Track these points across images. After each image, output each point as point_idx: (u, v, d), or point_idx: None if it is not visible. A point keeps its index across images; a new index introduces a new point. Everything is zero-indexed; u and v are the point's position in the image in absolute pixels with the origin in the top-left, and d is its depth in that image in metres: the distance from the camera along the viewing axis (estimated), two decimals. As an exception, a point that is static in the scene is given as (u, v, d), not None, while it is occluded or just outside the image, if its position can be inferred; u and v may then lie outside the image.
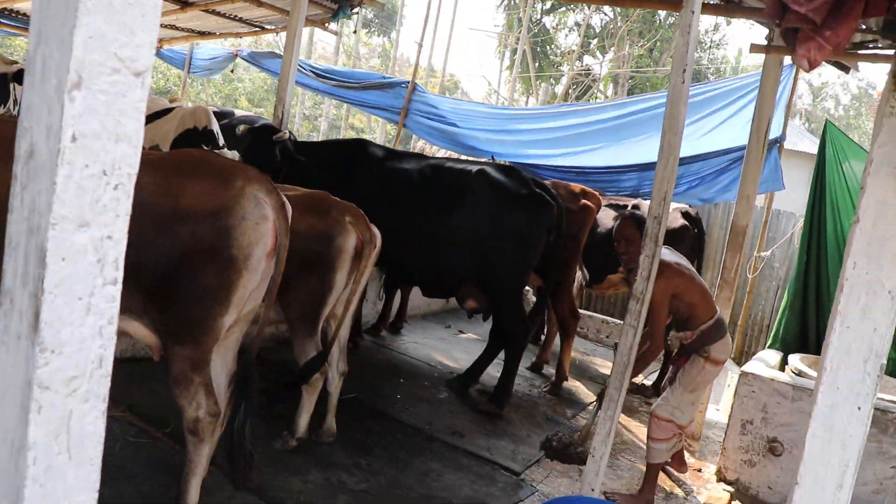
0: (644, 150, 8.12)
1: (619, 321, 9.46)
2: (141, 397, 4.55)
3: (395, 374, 6.22)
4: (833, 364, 1.75)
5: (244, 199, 2.97)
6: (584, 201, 6.61)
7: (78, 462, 1.14)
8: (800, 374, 5.46)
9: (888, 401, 4.84)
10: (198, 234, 2.89)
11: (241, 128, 6.10)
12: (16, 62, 6.75)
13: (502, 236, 5.44)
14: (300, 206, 4.13)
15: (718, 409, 7.11)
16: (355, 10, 8.65)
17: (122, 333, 3.18)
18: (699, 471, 5.31)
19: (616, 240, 4.56)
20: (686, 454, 5.56)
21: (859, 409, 1.71)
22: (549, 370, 7.19)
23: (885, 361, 1.69)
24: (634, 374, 4.12)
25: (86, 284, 1.09)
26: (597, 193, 6.87)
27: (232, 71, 12.59)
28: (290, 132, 6.03)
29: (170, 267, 2.90)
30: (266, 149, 5.73)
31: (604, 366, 8.11)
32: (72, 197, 1.05)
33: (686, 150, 7.74)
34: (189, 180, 2.96)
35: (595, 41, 28.34)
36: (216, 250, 2.91)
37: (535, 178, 5.90)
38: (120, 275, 1.15)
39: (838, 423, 1.75)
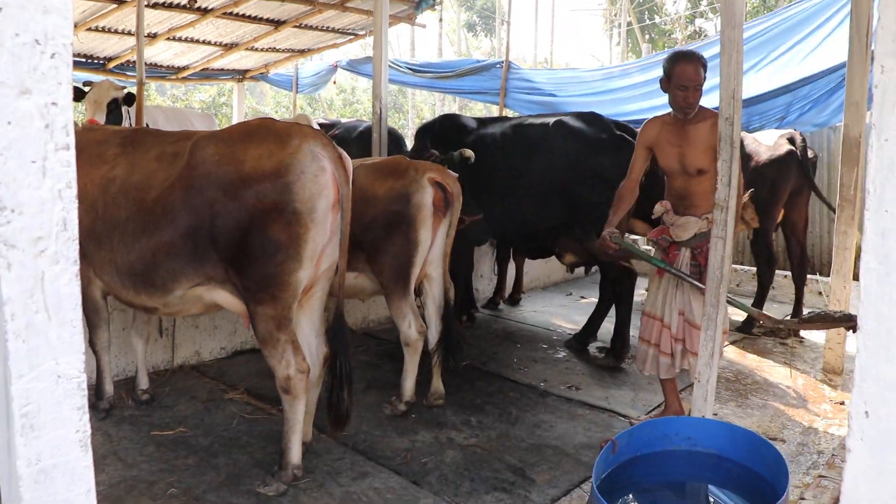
0: (748, 83, 7.66)
1: (746, 268, 8.96)
2: (258, 381, 4.81)
3: (510, 340, 6.22)
4: (877, 184, 1.59)
5: (301, 155, 3.08)
6: None
7: (59, 323, 1.22)
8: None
9: None
10: (262, 193, 3.03)
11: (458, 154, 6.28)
12: (125, 87, 7.34)
13: (587, 183, 5.33)
14: (379, 172, 4.25)
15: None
16: (437, -1, 8.79)
17: (212, 305, 3.39)
18: (842, 403, 4.92)
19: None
20: (827, 388, 5.19)
21: (916, 227, 1.53)
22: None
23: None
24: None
25: (37, 149, 1.17)
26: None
27: (334, 82, 13.05)
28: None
29: (242, 230, 3.05)
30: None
31: (734, 313, 7.68)
32: (6, 64, 1.13)
33: (789, 76, 7.29)
34: (250, 145, 3.10)
35: (705, 1, 27.04)
36: (281, 207, 3.02)
37: (616, 121, 5.74)
38: (71, 141, 1.22)
39: (893, 249, 1.58)
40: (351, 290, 4.36)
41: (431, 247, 4.33)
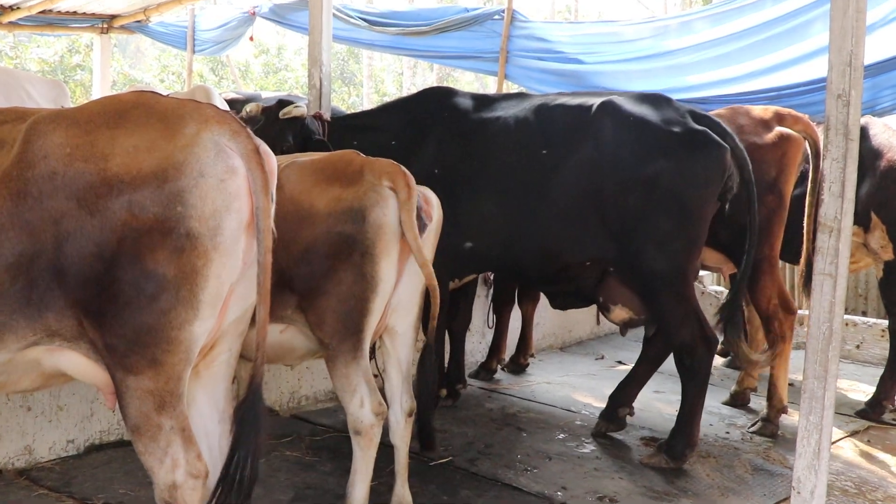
0: (877, 40, 7.77)
1: (872, 321, 9.02)
2: (128, 492, 4.77)
3: (512, 426, 6.23)
4: None
5: (198, 149, 3.04)
6: (781, 129, 6.36)
7: None
8: None
9: None
10: (138, 205, 2.98)
11: (251, 107, 6.41)
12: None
13: (649, 199, 5.34)
14: (320, 176, 4.23)
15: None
16: None
17: (56, 375, 3.33)
18: None
19: None
20: None
21: None
22: (759, 401, 6.92)
23: None
24: None
25: None
26: (804, 117, 6.57)
27: (251, 39, 13.09)
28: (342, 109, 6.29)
29: (106, 260, 3.00)
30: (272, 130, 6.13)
31: (852, 389, 7.72)
32: None
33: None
34: (120, 132, 3.06)
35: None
36: (167, 226, 2.98)
37: (693, 109, 5.78)
38: None
39: None
40: (275, 351, 4.31)
41: (397, 286, 4.30)
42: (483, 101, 6.25)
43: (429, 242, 4.39)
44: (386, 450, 4.46)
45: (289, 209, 3.95)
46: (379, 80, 30.87)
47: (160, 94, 3.47)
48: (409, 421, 4.54)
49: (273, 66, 29.60)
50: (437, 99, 6.35)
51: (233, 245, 3.11)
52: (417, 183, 4.37)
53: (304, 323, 4.21)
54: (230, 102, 9.09)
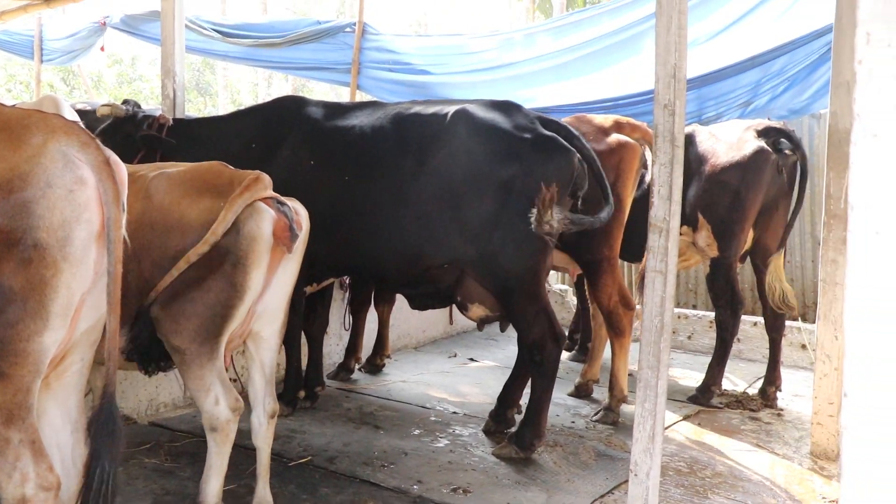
0: (700, 55, 8.04)
1: (701, 313, 9.34)
2: None
3: (370, 425, 6.21)
4: (861, 196, 1.66)
5: (46, 160, 2.93)
6: (618, 137, 6.51)
7: None
8: None
9: None
10: (-18, 217, 2.85)
11: (102, 109, 6.31)
12: None
13: (503, 202, 5.39)
14: (190, 186, 4.14)
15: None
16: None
17: None
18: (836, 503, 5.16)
19: None
20: (819, 479, 5.44)
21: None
22: (602, 391, 7.07)
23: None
24: None
25: None
26: (642, 125, 6.75)
27: (103, 49, 12.69)
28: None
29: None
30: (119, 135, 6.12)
31: (684, 377, 7.98)
32: None
33: (756, 45, 7.68)
34: (-41, 143, 2.93)
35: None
36: (13, 237, 2.86)
37: (542, 115, 5.85)
38: None
39: (890, 286, 1.66)
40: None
41: (264, 294, 4.26)
42: (337, 109, 6.22)
43: (298, 252, 4.35)
44: (247, 452, 4.38)
45: (157, 219, 3.88)
46: (235, 90, 30.43)
47: (4, 105, 3.32)
48: (271, 423, 4.48)
49: (127, 77, 28.80)
50: (291, 107, 6.28)
51: (83, 255, 3.01)
52: (275, 191, 4.34)
53: (163, 330, 4.10)
54: (81, 113, 8.78)
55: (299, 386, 6.45)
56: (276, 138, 6.04)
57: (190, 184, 4.14)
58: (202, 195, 4.09)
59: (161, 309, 4.03)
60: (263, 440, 4.47)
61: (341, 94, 17.34)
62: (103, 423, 3.24)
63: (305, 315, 6.66)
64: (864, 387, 1.70)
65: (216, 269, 4.02)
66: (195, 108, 28.07)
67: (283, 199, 4.28)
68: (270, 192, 4.24)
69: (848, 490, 1.68)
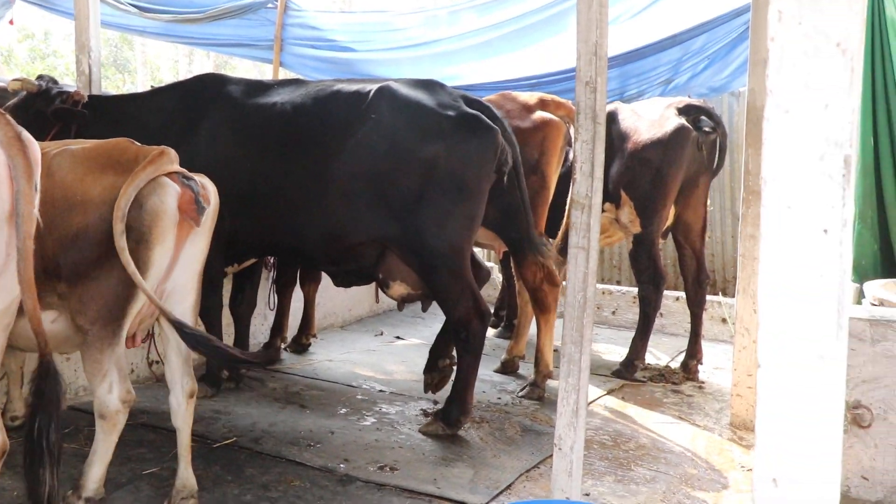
0: (623, 33, 8.10)
1: (625, 289, 9.46)
2: None
3: (295, 404, 6.19)
4: (774, 171, 1.68)
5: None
6: (542, 114, 6.54)
7: None
8: (882, 303, 5.42)
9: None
10: None
11: (12, 84, 6.20)
12: None
13: (427, 180, 5.40)
14: (93, 162, 4.06)
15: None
16: None
17: None
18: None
19: None
20: (738, 449, 5.56)
21: (826, 231, 1.64)
22: (528, 367, 7.13)
23: (851, 153, 1.62)
24: None
25: None
26: (567, 103, 6.78)
27: (11, 22, 12.30)
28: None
29: None
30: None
31: (608, 352, 8.09)
32: None
33: (677, 23, 7.77)
34: None
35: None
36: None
37: (465, 94, 5.86)
38: None
39: (800, 259, 1.68)
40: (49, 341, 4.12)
41: (172, 272, 4.18)
42: (259, 87, 6.16)
43: (206, 227, 4.29)
44: (170, 435, 4.33)
45: (59, 196, 3.79)
46: (154, 67, 29.87)
47: None
48: (190, 403, 4.42)
49: (40, 52, 28.08)
50: (211, 84, 6.19)
51: (-8, 233, 2.94)
52: (193, 169, 4.28)
53: (67, 309, 4.04)
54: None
55: (223, 367, 6.38)
56: (196, 116, 5.95)
57: (94, 160, 4.05)
58: (105, 172, 4.00)
59: (67, 287, 3.96)
60: (183, 421, 4.40)
61: (265, 72, 17.10)
62: (42, 383, 3.25)
63: (233, 295, 6.62)
64: (776, 359, 1.73)
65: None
66: (113, 85, 27.52)
67: (189, 173, 4.22)
68: (176, 167, 4.17)
69: (761, 458, 1.72)
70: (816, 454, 1.66)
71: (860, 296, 6.11)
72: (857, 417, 4.91)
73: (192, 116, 5.95)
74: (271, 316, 7.70)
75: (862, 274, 6.53)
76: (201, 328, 4.55)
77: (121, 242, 3.77)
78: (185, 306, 4.35)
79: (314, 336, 7.96)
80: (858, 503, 4.69)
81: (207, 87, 6.16)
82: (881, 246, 6.61)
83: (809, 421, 1.66)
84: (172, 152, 4.21)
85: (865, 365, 4.80)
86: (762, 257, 1.71)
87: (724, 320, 8.63)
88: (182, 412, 4.38)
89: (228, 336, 6.77)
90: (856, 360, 4.82)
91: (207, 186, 4.32)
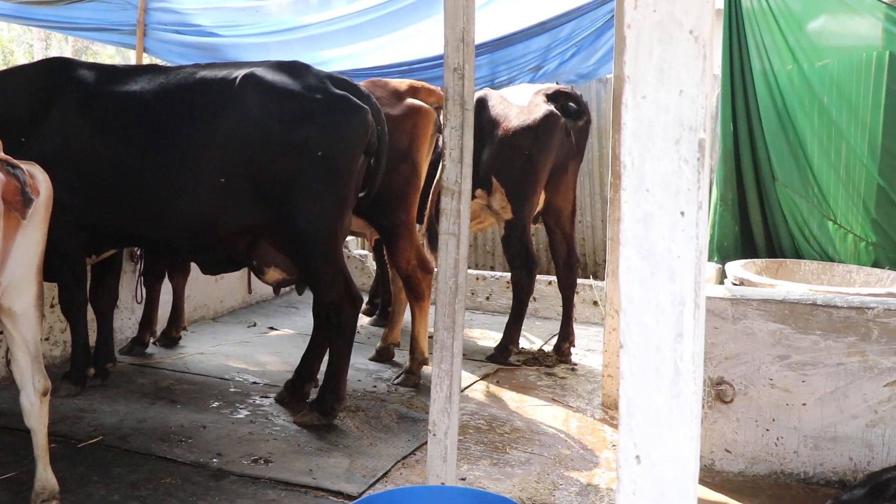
0: (491, 20, 8.17)
1: (499, 274, 9.58)
2: None
3: (166, 399, 6.08)
4: (633, 155, 1.72)
5: None
6: (412, 101, 6.56)
7: None
8: (742, 283, 5.62)
9: (868, 294, 5.05)
10: None
11: None
12: None
13: (298, 164, 5.36)
14: None
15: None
16: None
17: None
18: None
19: None
20: (609, 428, 5.69)
21: (683, 214, 1.69)
22: (403, 355, 7.16)
23: (705, 137, 1.67)
24: None
25: None
26: (437, 89, 6.80)
27: None
28: None
29: None
30: None
31: (483, 337, 8.18)
32: None
33: (545, 10, 7.89)
34: None
35: None
36: None
37: (332, 74, 5.82)
38: None
39: (659, 241, 1.73)
40: None
41: (5, 266, 4.00)
42: (113, 72, 5.97)
43: (38, 218, 4.11)
44: (29, 436, 4.19)
45: None
46: (7, 51, 28.70)
47: None
48: (44, 401, 4.25)
49: None
50: (59, 69, 5.94)
51: None
52: (38, 159, 4.15)
53: None
54: None
55: (88, 363, 6.18)
56: (42, 103, 5.72)
57: None
58: None
59: None
60: (37, 420, 4.22)
61: (129, 58, 16.63)
62: None
63: (93, 288, 6.40)
64: (636, 340, 1.78)
65: None
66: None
67: (15, 161, 4.01)
68: (0, 155, 4.01)
69: (624, 437, 1.77)
70: (676, 432, 1.72)
71: (722, 276, 6.32)
72: (720, 393, 5.10)
73: (37, 103, 5.72)
74: (139, 309, 7.52)
75: (724, 255, 6.75)
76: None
77: None
78: (26, 301, 4.15)
79: (185, 329, 7.82)
80: (722, 475, 4.89)
81: (56, 72, 5.91)
82: (741, 227, 6.85)
83: (668, 399, 1.72)
84: None
85: (727, 342, 4.98)
86: (622, 240, 1.76)
87: (595, 303, 8.83)
88: (35, 412, 4.18)
89: (93, 332, 6.58)
90: (718, 337, 5.01)
91: (37, 176, 4.14)
